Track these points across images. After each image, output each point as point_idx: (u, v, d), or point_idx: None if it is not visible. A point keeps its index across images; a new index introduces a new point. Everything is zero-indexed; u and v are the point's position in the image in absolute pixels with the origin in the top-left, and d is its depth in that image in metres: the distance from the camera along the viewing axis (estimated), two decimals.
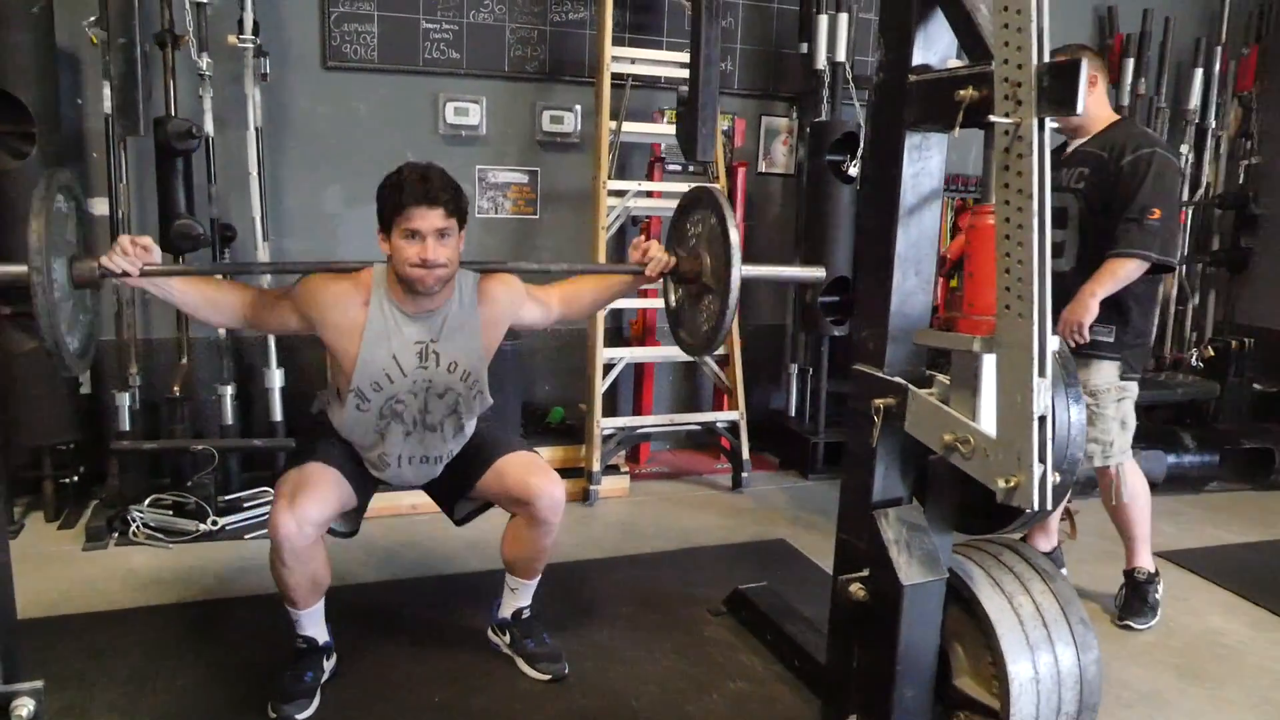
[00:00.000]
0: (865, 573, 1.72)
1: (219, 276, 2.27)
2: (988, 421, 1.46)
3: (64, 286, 1.69)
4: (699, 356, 2.05)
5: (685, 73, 3.70)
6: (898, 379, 1.63)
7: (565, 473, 3.60)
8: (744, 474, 3.77)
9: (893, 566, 1.64)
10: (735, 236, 1.96)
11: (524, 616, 2.44)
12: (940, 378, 1.64)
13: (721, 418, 3.79)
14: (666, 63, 3.75)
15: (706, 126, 1.86)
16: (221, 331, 3.31)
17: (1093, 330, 2.58)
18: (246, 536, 3.13)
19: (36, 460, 3.23)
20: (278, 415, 3.37)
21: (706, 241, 2.12)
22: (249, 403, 3.49)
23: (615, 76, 3.56)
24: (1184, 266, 4.92)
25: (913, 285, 1.66)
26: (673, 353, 3.86)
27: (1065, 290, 2.57)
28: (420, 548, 3.17)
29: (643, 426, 3.70)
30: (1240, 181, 4.86)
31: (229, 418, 3.32)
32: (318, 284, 2.06)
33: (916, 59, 1.58)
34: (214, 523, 3.11)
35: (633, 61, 3.63)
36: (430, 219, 1.95)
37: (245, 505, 3.20)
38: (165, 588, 2.79)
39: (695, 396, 4.32)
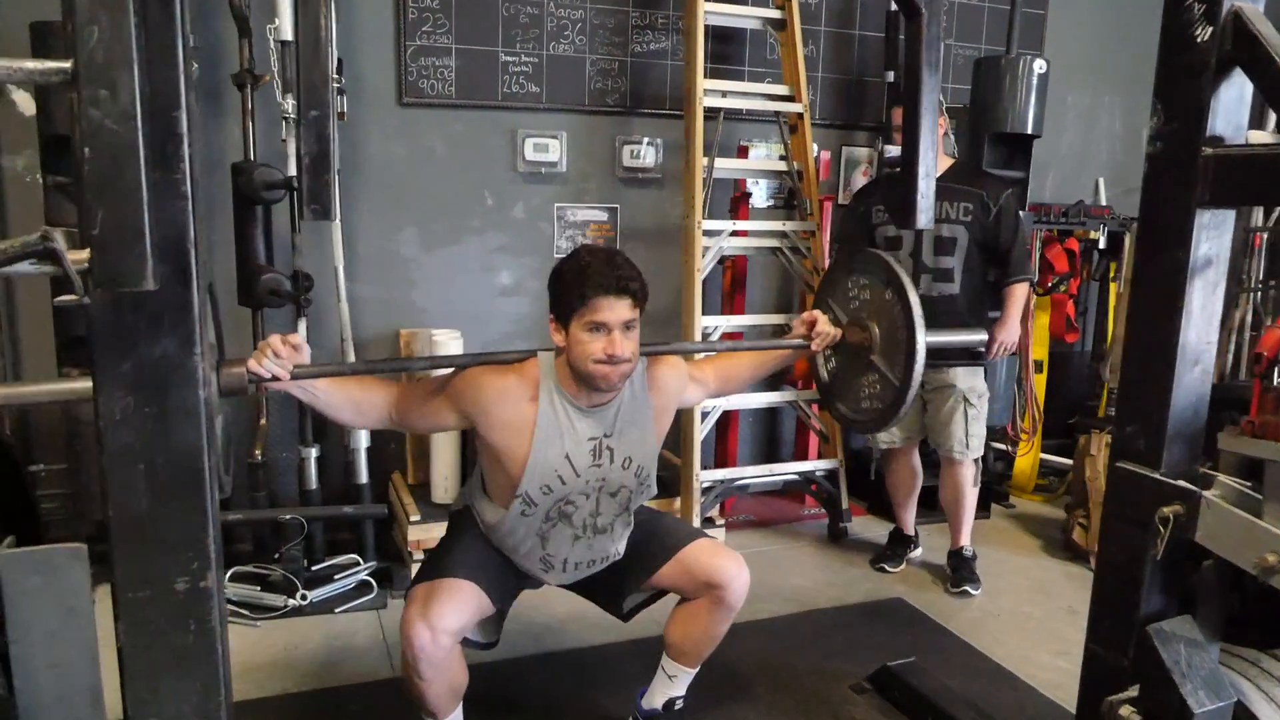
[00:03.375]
0: (1134, 693, 1.54)
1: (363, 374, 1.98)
2: None
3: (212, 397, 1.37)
4: (865, 433, 2.02)
5: (779, 105, 3.54)
6: (1183, 483, 1.46)
7: None
8: (844, 524, 3.58)
9: (1178, 691, 1.46)
10: (922, 335, 1.87)
11: (676, 708, 2.26)
12: (1223, 479, 1.47)
13: (820, 466, 3.60)
14: (755, 94, 3.60)
15: (926, 186, 1.68)
16: None
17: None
18: (336, 610, 2.92)
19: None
20: (363, 478, 3.13)
21: (875, 312, 2.00)
22: (327, 463, 3.26)
23: (708, 111, 3.37)
24: (1259, 292, 4.80)
25: (1193, 378, 1.48)
26: (770, 398, 3.68)
27: (956, 311, 3.04)
28: (519, 619, 2.92)
29: (741, 478, 3.50)
30: None
31: (313, 482, 3.08)
32: (479, 378, 1.86)
33: (1210, 129, 1.41)
34: (303, 597, 2.89)
35: (724, 94, 3.45)
36: (618, 310, 1.78)
37: (335, 577, 2.98)
38: (263, 675, 2.58)
39: (777, 441, 4.14)
